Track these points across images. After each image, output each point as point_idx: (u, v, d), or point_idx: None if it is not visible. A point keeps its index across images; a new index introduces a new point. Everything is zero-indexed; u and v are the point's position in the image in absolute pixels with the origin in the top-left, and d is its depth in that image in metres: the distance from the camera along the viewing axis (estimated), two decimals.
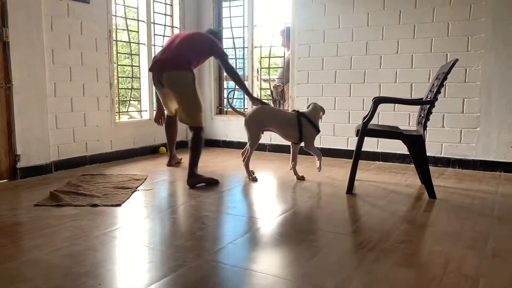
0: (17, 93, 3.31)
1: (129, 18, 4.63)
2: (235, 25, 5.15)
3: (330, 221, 2.40)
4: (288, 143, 3.59)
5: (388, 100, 3.50)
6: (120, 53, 4.68)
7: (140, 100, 4.77)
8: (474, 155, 3.83)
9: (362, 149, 2.99)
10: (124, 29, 4.63)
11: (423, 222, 2.38)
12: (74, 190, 2.94)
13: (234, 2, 5.12)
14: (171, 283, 1.62)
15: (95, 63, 3.96)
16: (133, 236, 2.15)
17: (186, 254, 1.88)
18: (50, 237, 2.09)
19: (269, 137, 4.68)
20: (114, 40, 4.19)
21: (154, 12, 4.73)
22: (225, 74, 5.28)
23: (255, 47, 5.00)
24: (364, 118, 3.01)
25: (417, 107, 3.37)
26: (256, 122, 3.35)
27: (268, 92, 5.50)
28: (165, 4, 4.95)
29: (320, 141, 4.41)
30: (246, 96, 3.56)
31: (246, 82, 5.01)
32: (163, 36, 4.93)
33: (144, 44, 4.63)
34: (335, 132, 4.44)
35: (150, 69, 3.45)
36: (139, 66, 4.69)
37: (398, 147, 3.98)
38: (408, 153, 3.67)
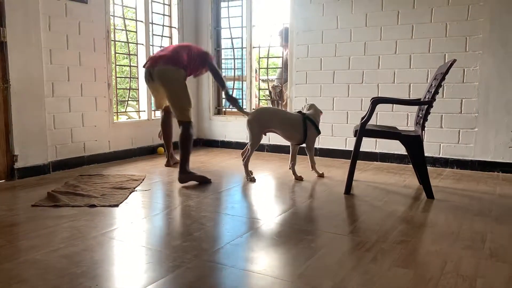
0: (14, 93, 3.30)
1: (127, 18, 4.62)
2: (234, 25, 5.14)
3: (328, 221, 2.40)
4: (287, 143, 3.60)
5: (386, 101, 3.50)
6: (118, 53, 4.67)
7: (138, 101, 4.76)
8: (472, 155, 3.83)
9: (360, 150, 2.99)
10: (122, 29, 4.62)
11: (421, 222, 2.38)
12: (71, 191, 2.93)
13: (233, 3, 5.11)
14: (169, 284, 1.61)
15: (93, 63, 3.95)
16: (130, 236, 2.14)
17: (184, 254, 1.88)
18: (47, 237, 2.09)
19: (268, 138, 4.68)
20: (112, 40, 4.18)
21: (152, 12, 4.72)
22: (224, 74, 5.31)
23: (254, 47, 5.00)
24: (362, 118, 3.01)
25: (415, 108, 3.37)
26: (259, 123, 3.35)
27: (267, 92, 5.51)
28: (163, 4, 4.95)
29: (318, 142, 4.40)
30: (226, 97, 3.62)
31: (245, 83, 5.03)
32: (161, 36, 4.93)
33: (143, 44, 4.62)
34: (333, 133, 4.44)
35: (144, 66, 3.52)
36: (137, 66, 4.68)
37: (396, 147, 3.98)
38: (406, 153, 3.68)
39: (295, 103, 4.56)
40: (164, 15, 4.96)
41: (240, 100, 5.24)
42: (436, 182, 3.31)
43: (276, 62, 5.59)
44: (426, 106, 2.90)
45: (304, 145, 3.48)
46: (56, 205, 2.63)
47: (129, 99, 4.84)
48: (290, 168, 3.49)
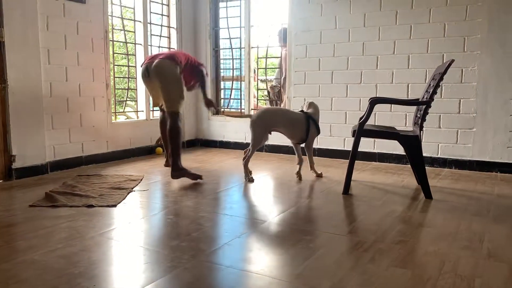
0: (12, 93, 3.29)
1: (125, 18, 4.62)
2: (232, 25, 5.14)
3: (326, 221, 2.40)
4: (286, 143, 3.60)
5: (385, 101, 3.50)
6: (116, 53, 4.66)
7: (136, 101, 4.76)
8: (470, 155, 3.84)
9: (359, 150, 2.99)
10: (120, 30, 4.62)
11: (419, 222, 2.39)
12: (69, 191, 2.93)
13: (231, 3, 5.11)
14: (167, 284, 1.61)
15: (91, 63, 3.95)
16: (128, 237, 2.14)
17: (181, 255, 1.88)
18: (45, 238, 2.08)
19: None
20: (110, 40, 4.18)
21: (150, 12, 4.72)
22: (222, 74, 5.33)
23: (252, 47, 5.00)
24: (361, 118, 3.01)
25: (414, 108, 3.37)
26: (263, 124, 3.36)
27: (265, 92, 5.51)
28: (162, 4, 4.94)
29: (317, 142, 4.40)
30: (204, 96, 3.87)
31: (243, 83, 5.03)
32: (160, 36, 4.92)
33: (141, 44, 4.62)
34: (332, 133, 4.44)
35: (142, 65, 3.61)
36: (135, 67, 4.67)
37: (394, 147, 3.99)
38: (404, 153, 3.68)
39: (294, 103, 4.56)
40: (162, 15, 4.96)
41: (238, 101, 5.25)
42: (434, 182, 3.31)
43: (275, 62, 5.59)
44: (424, 106, 2.90)
45: (303, 145, 3.50)
46: (54, 205, 2.63)
47: (128, 99, 4.83)
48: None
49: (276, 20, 4.97)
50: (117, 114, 4.48)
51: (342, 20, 4.28)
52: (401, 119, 4.08)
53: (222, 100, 5.39)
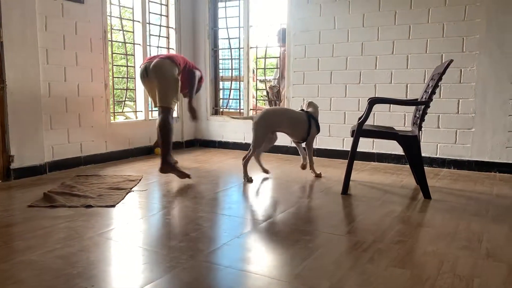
0: (11, 93, 3.29)
1: (124, 19, 4.61)
2: (231, 25, 5.14)
3: (325, 221, 2.40)
4: (286, 143, 3.61)
5: (383, 101, 3.50)
6: (115, 53, 4.66)
7: (135, 101, 4.75)
8: (469, 155, 3.84)
9: (358, 150, 2.98)
10: (119, 30, 4.61)
11: (418, 222, 2.39)
12: (68, 191, 2.92)
13: (230, 3, 5.11)
14: (165, 285, 1.61)
15: (90, 63, 3.94)
16: (127, 237, 2.14)
17: (180, 255, 1.88)
18: (43, 238, 2.08)
19: None
20: (109, 41, 4.17)
21: (149, 12, 4.72)
22: (221, 74, 5.33)
23: (251, 47, 5.00)
24: (360, 118, 3.01)
25: (412, 108, 3.37)
26: (265, 125, 3.37)
27: (264, 92, 5.50)
28: (161, 4, 4.94)
29: (316, 142, 4.40)
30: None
31: (242, 83, 5.03)
32: (159, 36, 4.92)
33: (140, 44, 4.61)
34: (331, 133, 4.44)
35: (141, 66, 3.63)
36: (134, 67, 4.67)
37: (393, 147, 3.99)
38: (403, 153, 3.68)
39: (293, 104, 4.56)
40: (161, 15, 4.96)
41: (237, 101, 5.24)
42: (433, 182, 3.31)
43: (274, 63, 5.59)
44: (423, 107, 2.90)
45: (304, 144, 3.51)
46: (52, 205, 2.62)
47: (126, 99, 4.83)
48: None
49: (275, 20, 4.97)
50: (116, 114, 4.48)
51: (341, 20, 4.28)
52: (400, 119, 4.08)
53: (221, 100, 5.39)
